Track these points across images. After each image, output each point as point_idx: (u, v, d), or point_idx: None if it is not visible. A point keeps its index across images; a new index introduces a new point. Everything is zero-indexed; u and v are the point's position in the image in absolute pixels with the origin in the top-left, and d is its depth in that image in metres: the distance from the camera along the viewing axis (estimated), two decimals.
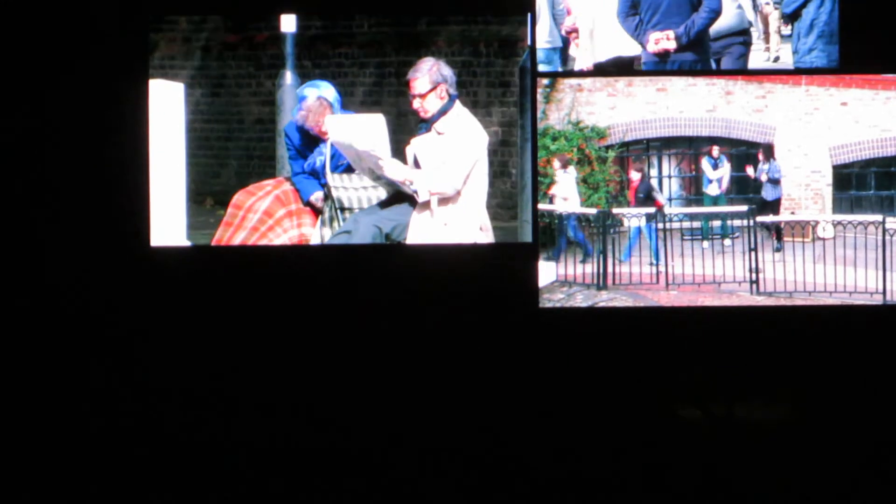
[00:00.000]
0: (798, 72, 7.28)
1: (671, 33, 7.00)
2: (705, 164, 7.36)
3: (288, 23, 7.28)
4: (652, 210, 7.18)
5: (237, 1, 7.16)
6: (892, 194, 7.44)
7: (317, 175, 7.17)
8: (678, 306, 7.14)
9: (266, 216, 7.04)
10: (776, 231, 7.35)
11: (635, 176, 7.15)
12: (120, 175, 7.02)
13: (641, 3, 7.04)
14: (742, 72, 7.25)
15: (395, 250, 7.08)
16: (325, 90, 7.06)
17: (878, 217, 7.25)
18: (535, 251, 7.13)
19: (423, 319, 7.07)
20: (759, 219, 7.30)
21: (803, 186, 7.47)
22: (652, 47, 7.02)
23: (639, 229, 7.16)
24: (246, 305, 7.06)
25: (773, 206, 7.30)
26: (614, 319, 7.14)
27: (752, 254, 7.25)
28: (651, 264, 7.21)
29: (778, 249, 7.28)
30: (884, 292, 7.25)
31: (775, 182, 7.26)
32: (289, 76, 7.36)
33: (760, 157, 7.32)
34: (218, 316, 7.03)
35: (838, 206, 7.50)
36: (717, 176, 7.36)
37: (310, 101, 7.01)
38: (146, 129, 6.99)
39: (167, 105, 7.09)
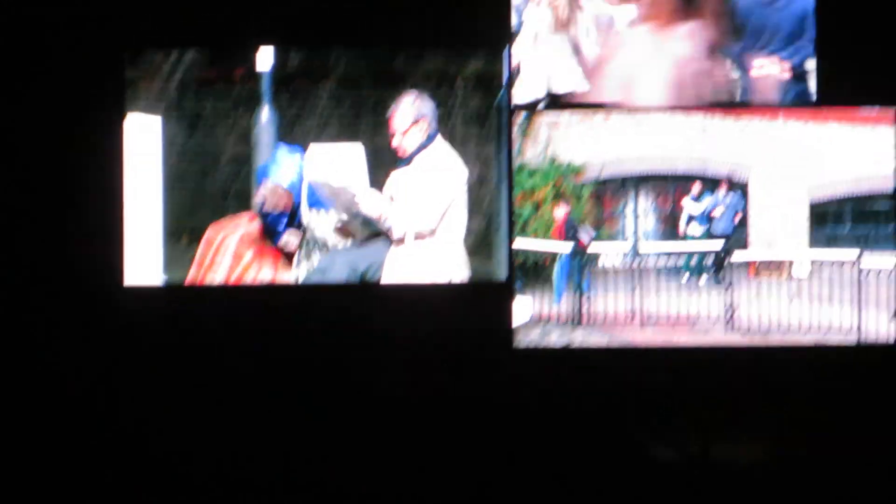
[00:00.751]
0: (774, 106, 7.25)
1: (777, 59, 7.03)
2: (687, 202, 7.34)
3: (265, 60, 7.27)
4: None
5: (215, 35, 7.14)
6: (868, 231, 7.42)
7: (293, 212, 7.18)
8: (653, 346, 7.12)
9: (236, 259, 7.03)
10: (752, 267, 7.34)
11: (559, 213, 7.11)
12: (93, 211, 7.00)
13: (747, 27, 7.03)
14: (719, 105, 7.21)
15: (370, 289, 7.07)
16: (283, 172, 7.05)
17: (855, 254, 7.21)
18: (509, 290, 7.12)
19: (397, 359, 7.06)
20: (735, 257, 7.27)
21: (779, 223, 7.45)
22: (756, 73, 7.01)
23: (565, 268, 7.13)
24: (219, 345, 7.05)
25: (733, 242, 7.28)
26: (590, 359, 7.12)
27: (728, 291, 7.21)
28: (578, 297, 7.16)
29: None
30: (859, 330, 7.23)
31: (733, 217, 7.25)
32: (266, 113, 7.34)
33: (723, 188, 7.30)
34: (191, 355, 7.02)
35: (815, 242, 7.48)
36: (700, 210, 7.33)
37: (267, 186, 7.00)
38: (121, 165, 6.98)
39: (143, 139, 7.09)
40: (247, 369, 7.07)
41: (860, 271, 7.18)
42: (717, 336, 7.22)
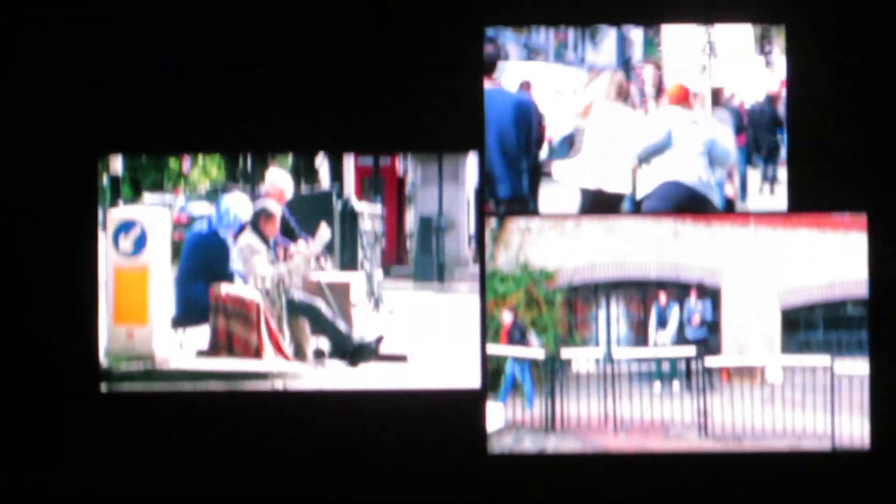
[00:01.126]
0: (745, 214, 7.33)
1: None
2: (658, 308, 7.38)
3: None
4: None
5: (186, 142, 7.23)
6: (841, 337, 7.44)
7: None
8: (626, 452, 7.10)
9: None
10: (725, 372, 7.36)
11: (507, 318, 7.15)
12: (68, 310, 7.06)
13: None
14: (691, 213, 7.29)
15: (343, 395, 7.09)
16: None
17: (827, 360, 7.22)
18: (483, 396, 7.12)
19: (370, 466, 7.04)
20: (707, 363, 7.28)
21: (751, 329, 7.47)
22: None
23: (512, 374, 7.14)
24: (187, 450, 7.06)
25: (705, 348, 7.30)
26: (564, 465, 7.10)
27: (701, 397, 7.21)
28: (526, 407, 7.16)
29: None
30: (832, 436, 7.21)
31: (704, 323, 7.28)
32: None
33: (692, 295, 7.34)
34: (168, 460, 7.06)
35: (787, 348, 7.50)
36: (672, 317, 7.37)
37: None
38: (95, 264, 7.00)
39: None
40: (215, 475, 7.05)
41: (833, 377, 7.17)
42: (691, 442, 7.20)
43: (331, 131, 7.11)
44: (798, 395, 7.30)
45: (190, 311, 7.41)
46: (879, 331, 7.04)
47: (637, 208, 7.29)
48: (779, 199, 7.27)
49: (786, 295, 7.42)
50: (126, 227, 7.15)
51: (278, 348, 7.34)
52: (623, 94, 7.38)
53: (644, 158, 7.32)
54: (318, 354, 7.34)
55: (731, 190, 7.48)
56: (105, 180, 7.20)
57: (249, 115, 7.09)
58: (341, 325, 7.41)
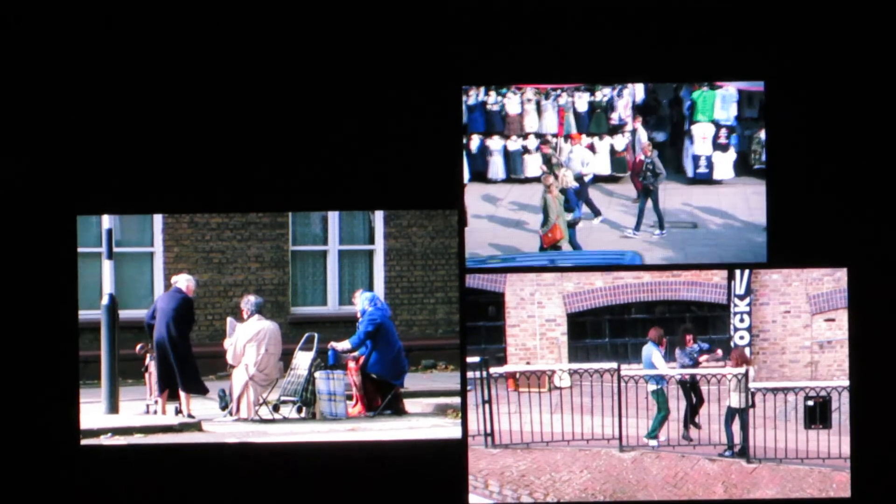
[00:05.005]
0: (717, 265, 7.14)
1: None
2: None
3: None
4: None
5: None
6: (626, 342, 7.30)
7: None
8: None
9: None
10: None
11: None
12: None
13: None
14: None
15: (325, 447, 6.84)
16: None
17: (614, 364, 7.05)
18: (464, 447, 6.78)
19: None
20: (493, 370, 7.03)
21: (538, 336, 7.30)
22: None
23: None
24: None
25: None
26: None
27: (486, 406, 6.93)
28: None
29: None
30: (620, 438, 6.96)
31: None
32: None
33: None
34: None
35: (574, 354, 7.32)
36: None
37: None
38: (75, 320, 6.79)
39: None
40: None
41: (620, 379, 6.99)
42: (479, 452, 6.88)
43: (312, 189, 6.90)
44: (586, 399, 7.09)
45: None
46: (861, 384, 6.81)
47: None
48: None
49: (571, 300, 7.30)
50: None
51: None
52: None
53: None
54: None
55: None
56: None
57: (231, 175, 6.89)
58: None
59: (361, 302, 7.26)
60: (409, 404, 7.35)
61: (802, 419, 6.85)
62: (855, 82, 6.80)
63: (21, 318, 6.79)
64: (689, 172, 7.58)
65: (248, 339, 7.30)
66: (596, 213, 7.40)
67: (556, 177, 7.29)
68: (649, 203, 7.37)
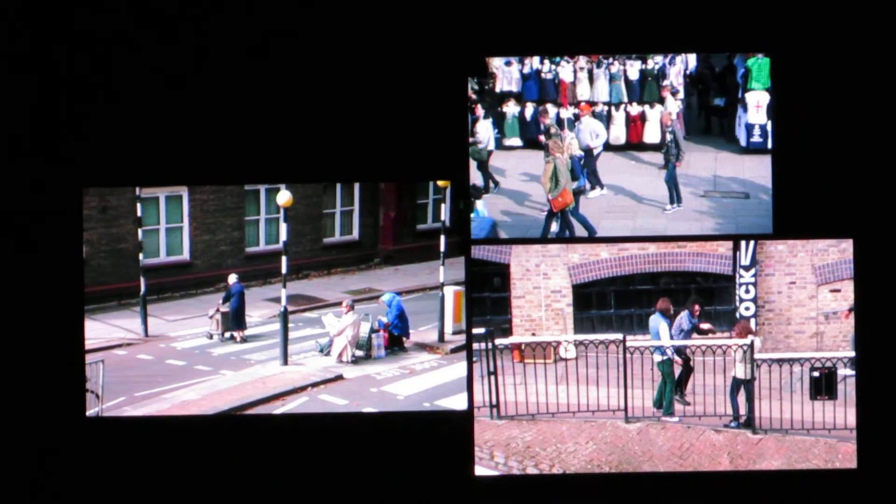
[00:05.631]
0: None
1: None
2: None
3: None
4: None
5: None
6: (631, 312, 7.30)
7: None
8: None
9: None
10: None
11: None
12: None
13: None
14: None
15: (333, 417, 6.92)
16: None
17: (619, 335, 7.05)
18: (470, 419, 6.77)
19: (359, 486, 6.78)
20: (498, 341, 7.03)
21: (543, 307, 7.30)
22: None
23: None
24: (190, 474, 6.80)
25: None
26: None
27: (491, 377, 6.94)
28: None
29: None
30: (626, 409, 6.98)
31: None
32: None
33: None
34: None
35: (579, 325, 7.33)
36: None
37: None
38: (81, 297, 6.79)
39: None
40: (213, 496, 6.79)
41: (626, 350, 6.99)
42: (485, 424, 6.89)
43: (326, 162, 6.88)
44: (592, 370, 7.10)
45: None
46: (867, 355, 6.80)
47: None
48: None
49: (577, 271, 7.29)
50: None
51: None
52: None
53: None
54: None
55: None
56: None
57: (245, 147, 6.87)
58: None
59: (388, 298, 8.31)
60: None
61: (808, 390, 6.87)
62: (863, 54, 6.75)
63: (30, 290, 6.78)
64: (743, 141, 7.43)
65: (350, 323, 8.01)
66: (598, 185, 7.36)
67: (561, 143, 7.26)
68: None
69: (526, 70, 7.26)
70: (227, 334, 8.08)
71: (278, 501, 6.74)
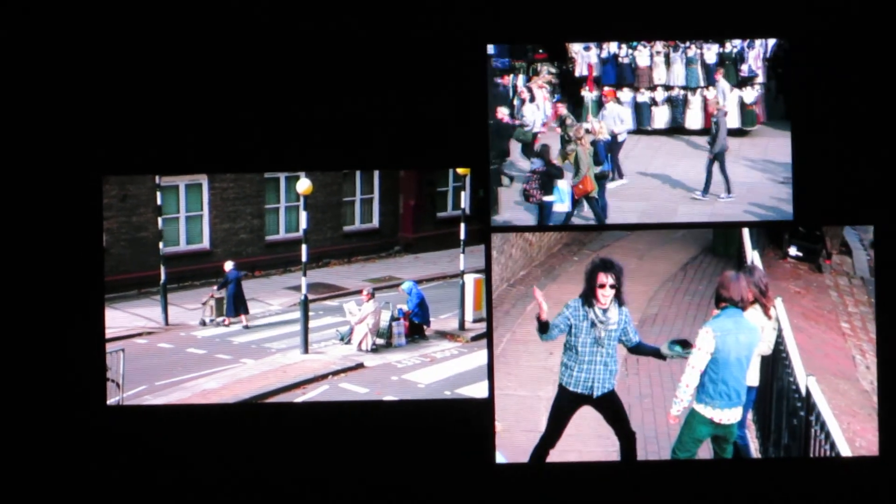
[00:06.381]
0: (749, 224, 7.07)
1: None
2: None
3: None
4: None
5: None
6: None
7: None
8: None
9: None
10: None
11: None
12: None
13: None
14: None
15: (354, 405, 6.95)
16: None
17: None
18: (491, 407, 6.77)
19: (381, 473, 6.80)
20: None
21: None
22: None
23: None
24: (211, 463, 6.82)
25: None
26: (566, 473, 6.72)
27: None
28: None
29: None
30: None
31: None
32: None
33: None
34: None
35: None
36: None
37: None
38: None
39: None
40: (234, 485, 6.82)
41: None
42: None
43: (345, 149, 6.88)
44: None
45: None
46: (887, 343, 6.73)
47: None
48: None
49: None
50: None
51: None
52: None
53: None
54: None
55: None
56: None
57: (265, 135, 6.88)
58: None
59: (408, 287, 8.30)
60: None
61: None
62: (884, 40, 6.67)
63: (50, 279, 6.82)
64: None
65: (370, 311, 8.05)
66: (619, 174, 7.32)
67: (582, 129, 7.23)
68: (717, 165, 7.27)
69: (604, 55, 7.23)
70: (220, 318, 8.16)
71: (299, 490, 6.73)
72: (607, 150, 7.23)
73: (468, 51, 6.77)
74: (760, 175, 7.10)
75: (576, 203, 7.00)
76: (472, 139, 6.79)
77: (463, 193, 7.36)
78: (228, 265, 8.09)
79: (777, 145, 6.96)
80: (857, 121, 6.71)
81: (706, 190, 7.11)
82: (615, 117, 7.41)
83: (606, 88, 7.46)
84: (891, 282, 6.69)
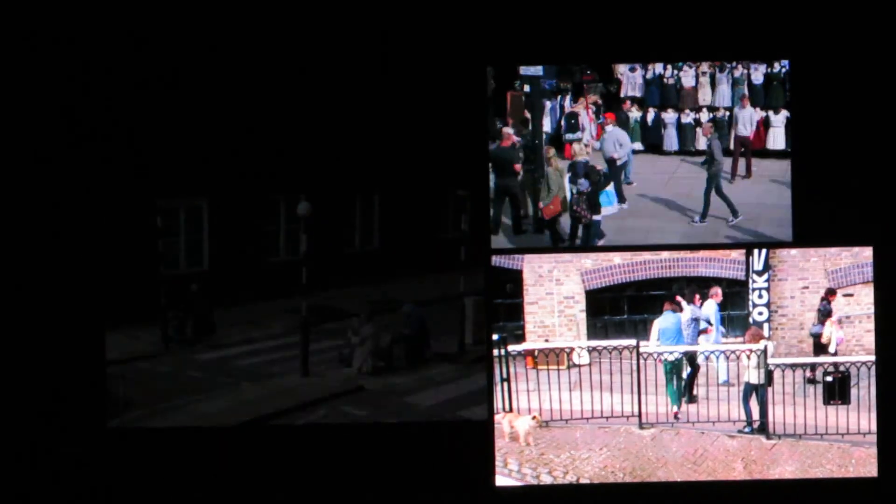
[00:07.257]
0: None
1: None
2: None
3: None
4: None
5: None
6: (645, 318, 7.28)
7: None
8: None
9: None
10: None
11: None
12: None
13: None
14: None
15: (353, 427, 7.05)
16: None
17: (633, 341, 7.04)
18: (490, 428, 6.85)
19: (384, 498, 6.90)
20: (511, 347, 7.05)
21: (556, 313, 7.30)
22: None
23: None
24: (211, 485, 6.95)
25: None
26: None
27: (504, 384, 6.95)
28: None
29: None
30: (639, 415, 6.97)
31: None
32: None
33: None
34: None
35: (593, 331, 7.32)
36: None
37: None
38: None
39: None
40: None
41: (639, 357, 6.98)
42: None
43: (346, 172, 7.12)
44: (605, 376, 7.09)
45: None
46: (887, 362, 6.76)
47: None
48: None
49: (589, 277, 7.29)
50: None
51: None
52: None
53: None
54: None
55: None
56: None
57: (265, 158, 7.08)
58: None
59: (409, 309, 8.03)
60: None
61: (821, 395, 6.82)
62: (882, 62, 6.69)
63: (52, 301, 6.94)
64: None
65: (369, 333, 7.93)
66: (620, 199, 7.35)
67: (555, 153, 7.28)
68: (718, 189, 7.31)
69: (649, 75, 7.26)
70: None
71: None
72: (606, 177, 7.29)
73: (469, 72, 6.86)
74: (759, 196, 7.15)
75: (546, 224, 7.05)
76: (472, 160, 6.87)
77: (463, 215, 7.39)
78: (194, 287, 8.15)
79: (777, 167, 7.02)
80: (855, 142, 6.75)
81: (704, 215, 7.14)
82: (614, 141, 7.44)
83: (605, 111, 7.48)
84: (889, 303, 6.70)
